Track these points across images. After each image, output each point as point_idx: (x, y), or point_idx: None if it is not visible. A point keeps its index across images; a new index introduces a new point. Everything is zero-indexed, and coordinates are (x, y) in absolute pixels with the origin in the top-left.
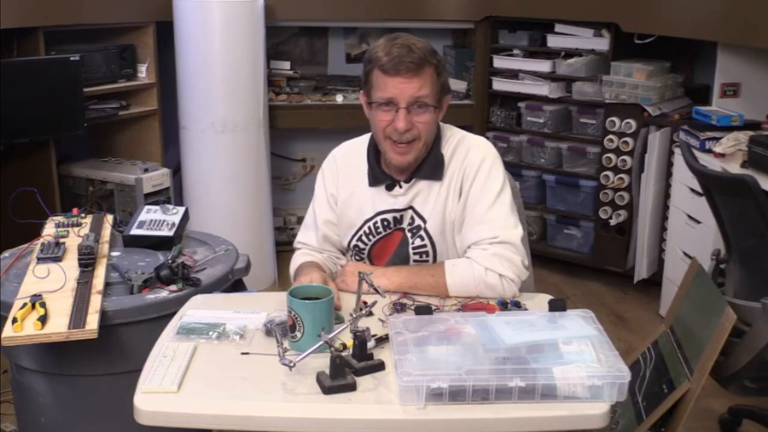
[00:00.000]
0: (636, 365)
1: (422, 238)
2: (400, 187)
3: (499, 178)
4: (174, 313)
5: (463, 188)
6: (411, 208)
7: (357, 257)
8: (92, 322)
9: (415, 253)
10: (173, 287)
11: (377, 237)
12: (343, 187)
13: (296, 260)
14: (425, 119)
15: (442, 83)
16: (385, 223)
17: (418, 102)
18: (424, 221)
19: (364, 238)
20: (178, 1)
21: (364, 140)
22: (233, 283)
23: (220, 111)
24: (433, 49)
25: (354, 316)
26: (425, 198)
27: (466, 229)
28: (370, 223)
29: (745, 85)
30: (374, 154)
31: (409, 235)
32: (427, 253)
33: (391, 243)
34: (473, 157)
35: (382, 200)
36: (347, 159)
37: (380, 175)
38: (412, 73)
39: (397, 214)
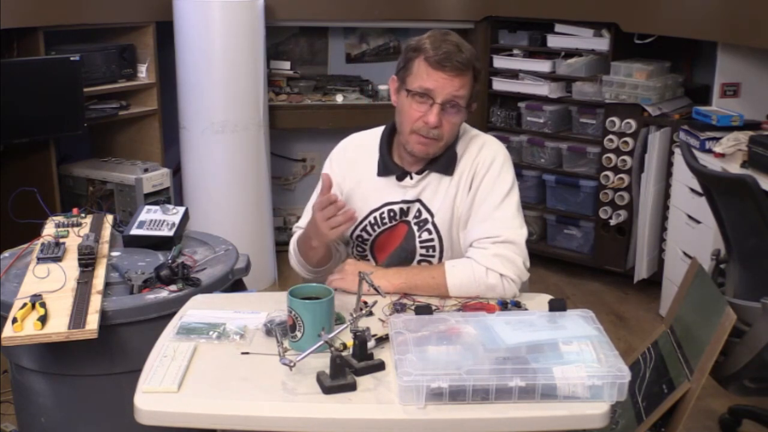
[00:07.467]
0: (636, 365)
1: (429, 232)
2: (411, 178)
3: (509, 178)
4: (174, 313)
5: (473, 185)
6: (419, 200)
7: (359, 248)
8: (92, 322)
9: (422, 247)
10: (173, 287)
11: (382, 228)
12: (349, 177)
13: (293, 241)
14: (454, 120)
15: (476, 91)
16: (392, 213)
17: (453, 101)
18: (432, 215)
19: (369, 228)
20: (178, 1)
21: (375, 133)
22: (233, 283)
23: (220, 111)
24: (478, 55)
25: (354, 316)
26: (434, 192)
27: (471, 225)
28: (376, 214)
29: (745, 85)
30: (387, 145)
31: (415, 228)
32: (434, 247)
33: (395, 236)
34: (485, 155)
35: (390, 191)
36: (357, 150)
37: (391, 165)
38: (457, 71)
39: (404, 206)
